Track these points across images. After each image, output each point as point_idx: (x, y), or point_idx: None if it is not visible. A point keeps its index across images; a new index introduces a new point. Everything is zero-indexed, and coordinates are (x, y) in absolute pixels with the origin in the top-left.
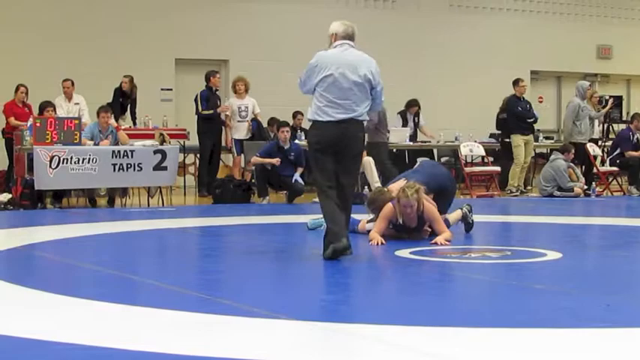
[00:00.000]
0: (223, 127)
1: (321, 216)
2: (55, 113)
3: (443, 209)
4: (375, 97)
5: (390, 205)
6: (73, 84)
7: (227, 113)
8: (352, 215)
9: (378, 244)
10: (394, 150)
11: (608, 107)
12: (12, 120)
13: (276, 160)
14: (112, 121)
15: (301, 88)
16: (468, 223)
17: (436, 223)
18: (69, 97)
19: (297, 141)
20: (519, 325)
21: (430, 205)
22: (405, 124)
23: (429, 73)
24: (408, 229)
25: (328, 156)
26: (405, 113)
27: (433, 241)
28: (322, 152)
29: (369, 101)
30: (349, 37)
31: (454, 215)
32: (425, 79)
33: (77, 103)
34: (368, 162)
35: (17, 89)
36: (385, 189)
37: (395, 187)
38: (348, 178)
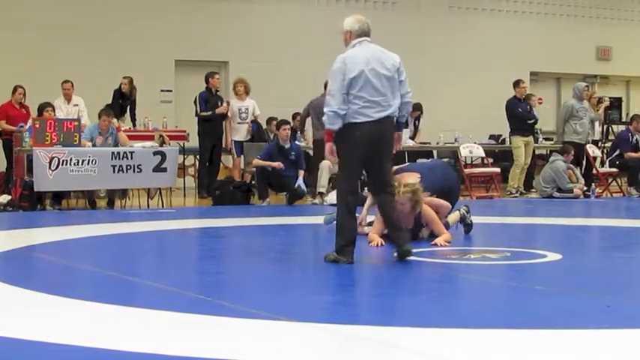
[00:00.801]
0: (223, 129)
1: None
2: (55, 114)
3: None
4: (403, 92)
5: None
6: (72, 85)
7: (227, 113)
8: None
9: (377, 245)
10: (394, 151)
11: (603, 105)
12: (3, 124)
13: (277, 164)
14: (114, 120)
15: (331, 102)
16: (467, 224)
17: (434, 224)
18: (68, 99)
19: (297, 142)
20: (519, 326)
21: (428, 208)
22: (405, 126)
23: (429, 74)
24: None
25: (360, 161)
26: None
27: (433, 242)
28: (355, 157)
29: (399, 96)
30: (365, 33)
31: (453, 217)
32: (424, 80)
33: (76, 105)
34: None
35: (15, 90)
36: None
37: (401, 179)
38: (387, 177)
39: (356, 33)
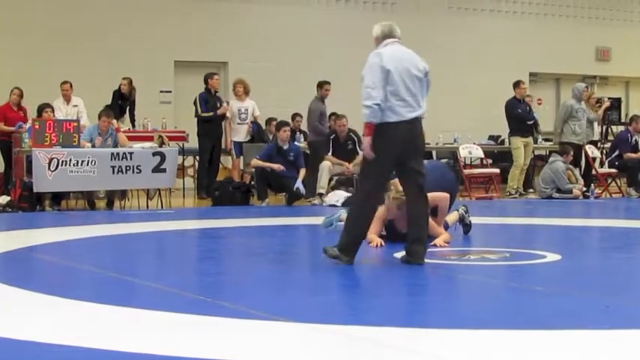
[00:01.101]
0: (223, 130)
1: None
2: (54, 115)
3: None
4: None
5: (383, 206)
6: (71, 86)
7: (227, 115)
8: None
9: (377, 245)
10: None
11: (603, 107)
12: (0, 125)
13: (277, 166)
14: (114, 121)
15: (373, 94)
16: (465, 225)
17: (432, 228)
18: (67, 100)
19: (296, 143)
20: (519, 326)
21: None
22: None
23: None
24: (402, 235)
25: (391, 163)
26: None
27: (432, 243)
28: (387, 158)
29: (424, 98)
30: (390, 35)
31: (452, 217)
32: None
33: (76, 106)
34: None
35: (12, 92)
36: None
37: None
38: (423, 179)
39: (381, 37)
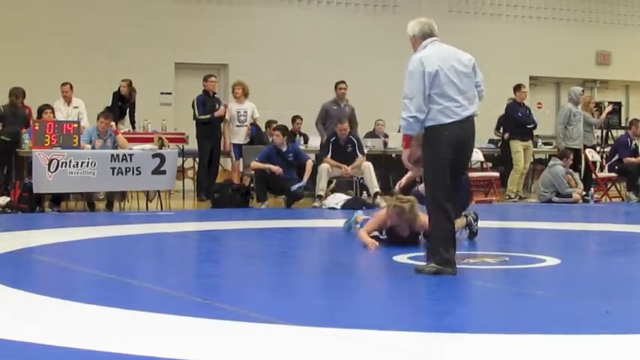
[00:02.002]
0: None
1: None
2: (54, 116)
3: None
4: (479, 90)
5: (384, 210)
6: (71, 87)
7: (224, 116)
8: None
9: (372, 247)
10: (393, 155)
11: (606, 112)
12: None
13: (277, 169)
14: (112, 123)
15: (410, 106)
16: (472, 232)
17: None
18: (68, 101)
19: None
20: (519, 331)
21: (423, 216)
22: None
23: None
24: (402, 238)
25: (448, 166)
26: None
27: None
28: (445, 160)
29: (476, 95)
30: (429, 34)
31: (459, 222)
32: None
33: (76, 107)
34: (367, 167)
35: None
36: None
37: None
38: (457, 182)
39: (419, 35)
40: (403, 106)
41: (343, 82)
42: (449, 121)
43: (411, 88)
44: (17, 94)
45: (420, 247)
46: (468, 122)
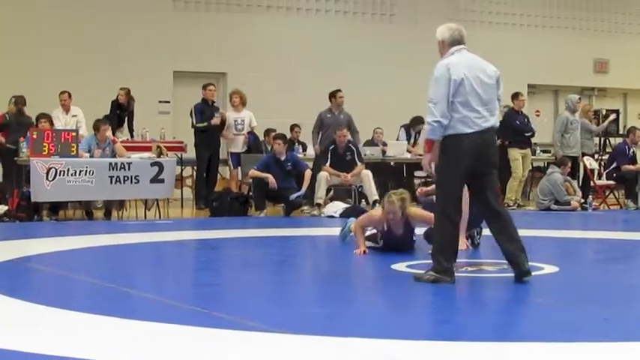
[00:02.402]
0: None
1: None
2: (53, 125)
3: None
4: (498, 99)
5: (378, 215)
6: (70, 96)
7: (221, 124)
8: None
9: (360, 253)
10: (392, 163)
11: (608, 121)
12: None
13: (272, 181)
14: (109, 133)
15: (434, 111)
16: (473, 244)
17: (427, 218)
18: (66, 110)
19: (294, 152)
20: (518, 339)
21: (415, 209)
22: (407, 138)
23: (427, 87)
24: (396, 239)
25: (464, 175)
26: (409, 129)
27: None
28: (460, 171)
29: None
30: (458, 41)
31: (462, 241)
32: (422, 92)
33: (75, 115)
34: (367, 175)
35: (10, 101)
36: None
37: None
38: (496, 197)
39: (448, 41)
40: (428, 110)
41: (339, 90)
42: (469, 131)
43: (436, 94)
44: (22, 102)
45: (414, 252)
46: (488, 133)
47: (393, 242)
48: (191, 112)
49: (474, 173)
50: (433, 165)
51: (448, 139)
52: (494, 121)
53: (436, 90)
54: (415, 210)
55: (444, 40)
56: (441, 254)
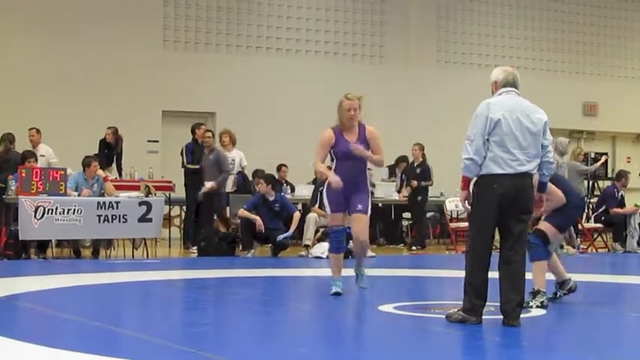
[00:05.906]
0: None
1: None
2: (37, 163)
3: (562, 222)
4: (544, 151)
5: (327, 131)
6: (38, 131)
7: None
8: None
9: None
10: (379, 204)
11: (600, 163)
12: None
13: (259, 224)
14: (100, 171)
15: (469, 149)
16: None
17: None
18: (34, 145)
19: (282, 193)
20: None
21: (374, 128)
22: (390, 175)
23: (416, 128)
24: (350, 154)
25: (495, 217)
26: (394, 169)
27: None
28: (491, 212)
29: (539, 155)
30: (510, 84)
31: None
32: (412, 133)
33: (43, 155)
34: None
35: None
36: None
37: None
38: (519, 246)
39: (501, 83)
40: (464, 147)
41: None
42: (500, 172)
43: (474, 131)
44: (11, 139)
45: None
46: (523, 178)
47: (346, 157)
48: (182, 152)
49: (504, 216)
50: (467, 203)
51: (480, 179)
52: (531, 167)
53: (473, 127)
54: (372, 128)
55: (497, 81)
56: (468, 294)
